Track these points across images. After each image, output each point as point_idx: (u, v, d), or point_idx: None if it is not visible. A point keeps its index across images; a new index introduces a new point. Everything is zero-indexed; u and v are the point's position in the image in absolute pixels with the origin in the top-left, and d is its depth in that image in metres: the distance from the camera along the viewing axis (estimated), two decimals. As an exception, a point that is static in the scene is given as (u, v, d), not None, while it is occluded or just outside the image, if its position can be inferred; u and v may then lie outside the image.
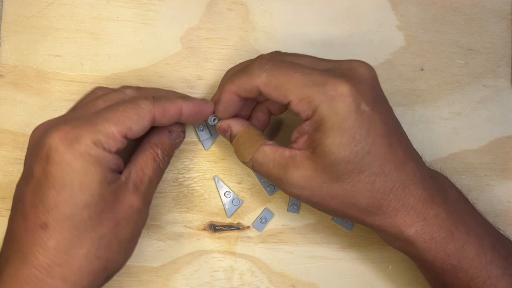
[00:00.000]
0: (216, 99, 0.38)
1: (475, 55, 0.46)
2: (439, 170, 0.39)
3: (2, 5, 0.43)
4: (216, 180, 0.44)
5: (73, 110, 0.37)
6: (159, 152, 0.37)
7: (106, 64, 0.43)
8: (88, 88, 0.43)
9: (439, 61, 0.45)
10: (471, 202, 0.39)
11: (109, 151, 0.33)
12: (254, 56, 0.44)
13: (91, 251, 0.32)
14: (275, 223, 0.44)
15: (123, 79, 0.43)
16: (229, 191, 0.43)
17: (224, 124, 0.39)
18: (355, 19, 0.45)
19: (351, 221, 0.38)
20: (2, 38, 0.43)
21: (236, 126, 0.38)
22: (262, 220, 0.44)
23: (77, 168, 0.31)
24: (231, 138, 0.39)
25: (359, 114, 0.33)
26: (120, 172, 0.34)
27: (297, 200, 0.44)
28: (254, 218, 0.44)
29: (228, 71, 0.40)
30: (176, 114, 0.36)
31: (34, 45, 0.43)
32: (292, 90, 0.34)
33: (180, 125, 0.40)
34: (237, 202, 0.43)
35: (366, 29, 0.45)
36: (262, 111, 0.40)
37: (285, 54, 0.38)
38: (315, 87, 0.33)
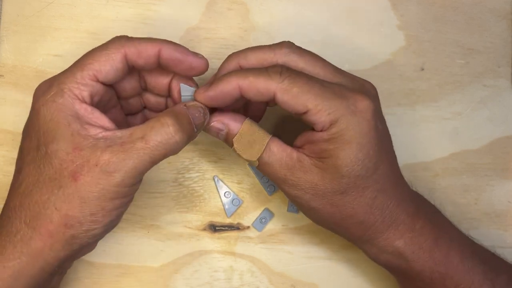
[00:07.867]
0: (211, 82, 0.35)
1: (475, 55, 0.46)
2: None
3: (1, 5, 0.43)
4: (216, 180, 0.43)
5: None
6: (169, 120, 0.32)
7: (106, 64, 0.43)
8: (88, 88, 0.43)
9: (439, 60, 0.45)
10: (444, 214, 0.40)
11: (81, 99, 0.33)
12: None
13: (50, 199, 0.32)
14: (275, 223, 0.44)
15: (123, 79, 0.43)
16: (229, 191, 0.43)
17: (217, 123, 0.36)
18: (355, 19, 0.45)
19: (340, 235, 0.38)
20: (1, 38, 0.43)
21: (234, 123, 0.36)
22: (262, 220, 0.43)
23: (42, 115, 0.32)
24: (228, 137, 0.36)
25: (375, 131, 0.34)
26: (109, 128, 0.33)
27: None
28: (254, 218, 0.44)
29: (231, 55, 0.37)
30: (153, 54, 0.34)
31: (33, 45, 0.43)
32: (313, 99, 0.33)
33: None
34: (237, 202, 0.43)
35: (366, 28, 0.45)
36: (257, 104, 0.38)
37: (302, 51, 0.36)
38: (336, 99, 0.33)
